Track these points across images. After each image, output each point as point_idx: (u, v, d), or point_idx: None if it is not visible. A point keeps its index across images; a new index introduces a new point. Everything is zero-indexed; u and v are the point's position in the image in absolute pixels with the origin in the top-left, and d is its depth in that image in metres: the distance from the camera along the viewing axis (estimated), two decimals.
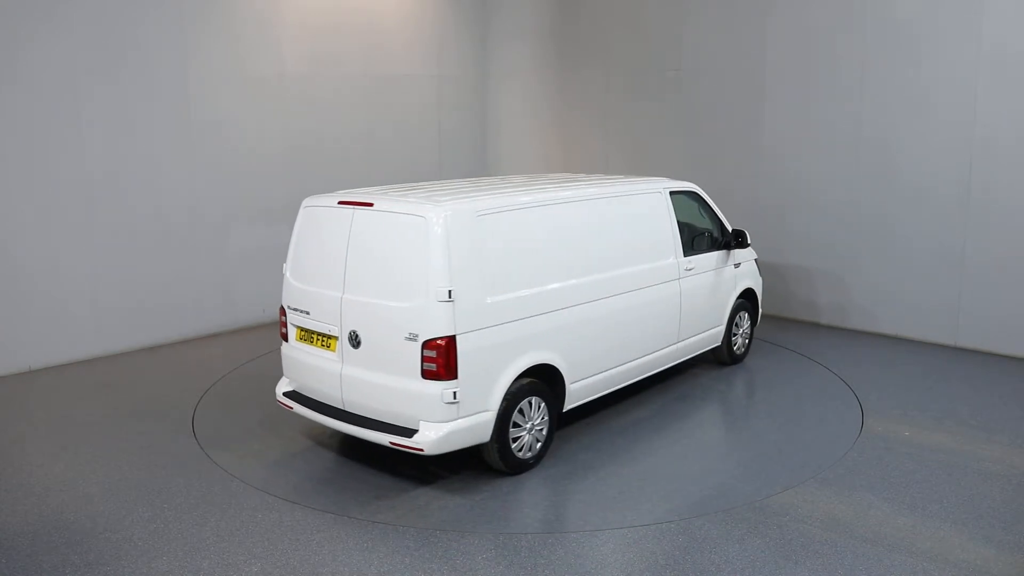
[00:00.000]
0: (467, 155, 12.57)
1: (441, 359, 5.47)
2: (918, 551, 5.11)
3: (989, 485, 6.00)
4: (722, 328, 8.43)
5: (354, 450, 6.64)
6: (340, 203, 6.15)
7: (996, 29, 8.68)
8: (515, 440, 6.03)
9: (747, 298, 8.78)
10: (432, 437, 5.56)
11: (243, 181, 10.15)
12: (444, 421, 5.56)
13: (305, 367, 6.35)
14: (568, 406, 6.56)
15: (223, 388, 8.14)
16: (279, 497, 5.87)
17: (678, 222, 7.72)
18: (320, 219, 6.29)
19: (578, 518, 5.59)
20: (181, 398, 7.84)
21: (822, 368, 8.67)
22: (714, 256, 8.17)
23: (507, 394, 5.89)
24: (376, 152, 11.38)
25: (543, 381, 6.23)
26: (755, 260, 8.96)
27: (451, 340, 5.48)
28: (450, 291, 5.47)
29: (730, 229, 8.43)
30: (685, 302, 7.69)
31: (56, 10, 8.48)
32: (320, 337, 6.18)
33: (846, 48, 9.80)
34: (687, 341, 7.89)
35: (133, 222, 9.30)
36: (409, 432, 5.67)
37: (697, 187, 8.27)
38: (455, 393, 5.54)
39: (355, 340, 5.90)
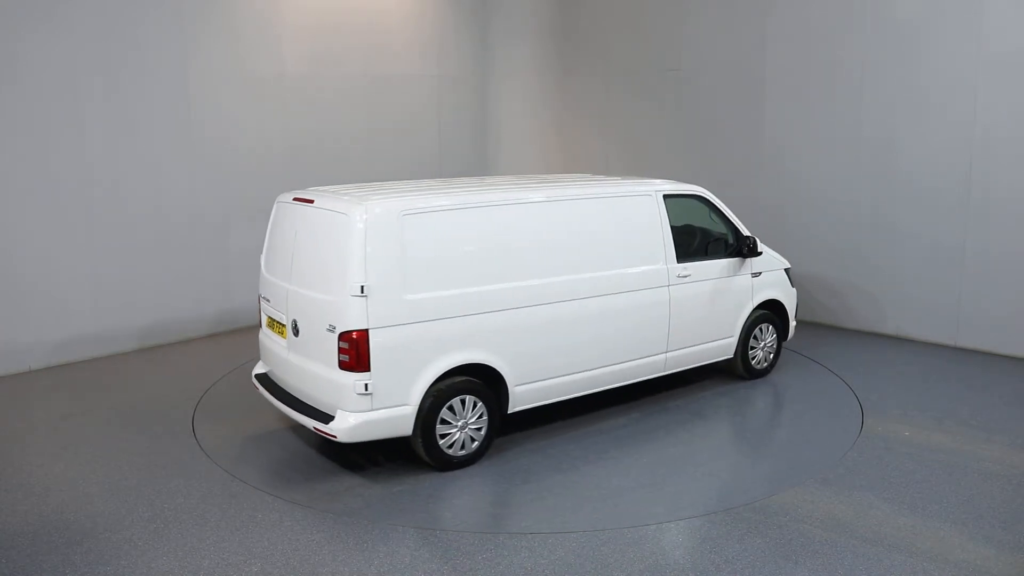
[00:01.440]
0: (467, 155, 12.57)
1: (353, 351, 5.69)
2: (918, 551, 5.11)
3: (989, 485, 6.00)
4: (733, 340, 7.97)
5: (354, 450, 6.64)
6: (294, 199, 6.56)
7: (996, 28, 8.68)
8: (445, 436, 6.15)
9: (772, 310, 8.29)
10: (345, 425, 5.80)
11: (243, 181, 10.15)
12: (357, 411, 5.78)
13: (268, 352, 6.85)
14: (514, 408, 6.53)
15: (223, 388, 8.14)
16: (279, 497, 5.87)
17: (680, 226, 7.58)
18: (282, 214, 6.74)
19: (506, 519, 5.60)
20: (181, 398, 7.84)
21: (822, 368, 8.67)
22: (720, 264, 7.75)
23: (431, 390, 6.02)
24: (376, 152, 11.38)
25: (484, 381, 6.31)
26: (786, 270, 8.44)
27: (363, 333, 5.68)
28: (362, 286, 5.66)
29: (750, 235, 8.01)
30: (677, 310, 7.37)
31: (56, 10, 8.48)
32: (276, 324, 6.61)
33: (846, 47, 9.80)
34: (683, 351, 7.55)
35: (133, 222, 9.30)
36: (330, 419, 5.93)
37: (704, 191, 7.88)
38: (367, 385, 5.73)
39: (295, 329, 6.29)
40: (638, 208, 7.25)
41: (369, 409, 5.81)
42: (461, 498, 5.91)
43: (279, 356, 6.55)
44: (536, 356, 6.52)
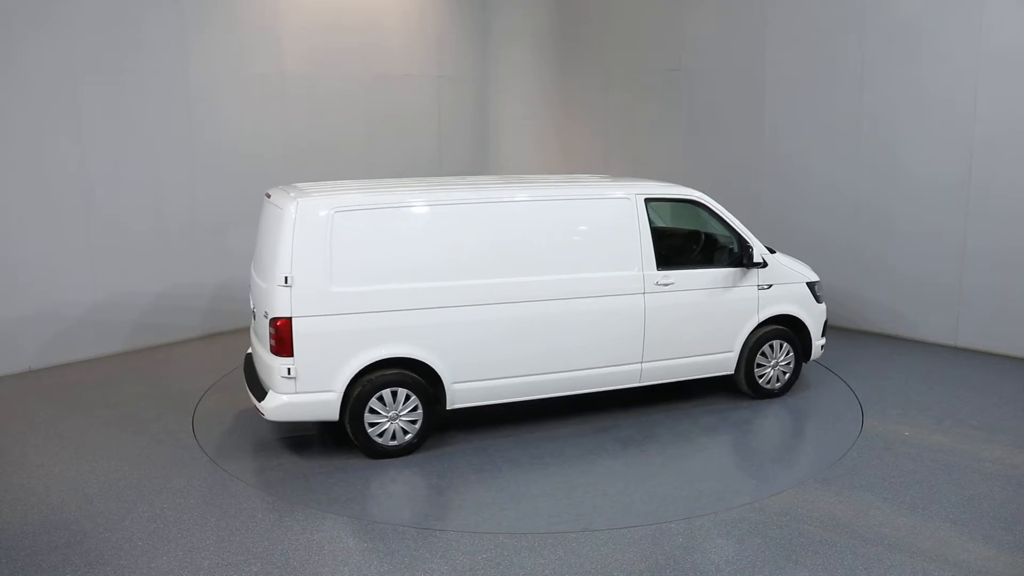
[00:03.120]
0: (467, 155, 12.57)
1: (278, 337, 6.06)
2: (918, 551, 5.11)
3: (989, 485, 6.00)
4: (732, 356, 7.48)
5: (353, 450, 6.64)
6: (265, 195, 6.94)
7: (996, 24, 8.67)
8: (375, 425, 6.36)
9: (789, 326, 7.69)
10: (271, 405, 6.22)
11: (243, 180, 10.14)
12: (283, 393, 6.17)
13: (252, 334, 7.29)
14: (453, 406, 6.61)
15: (223, 388, 8.14)
16: (279, 497, 5.87)
17: (675, 232, 7.39)
18: (263, 209, 7.08)
19: (407, 511, 5.61)
20: (181, 398, 7.84)
21: (822, 368, 8.67)
22: (714, 273, 7.32)
23: (360, 380, 6.26)
24: (376, 152, 11.38)
25: (422, 376, 6.43)
26: (809, 284, 7.76)
27: (287, 321, 6.04)
28: (286, 277, 6.02)
29: (751, 244, 7.42)
30: (655, 319, 7.03)
31: (56, 10, 8.48)
32: (254, 312, 6.99)
33: (846, 46, 9.80)
34: (664, 363, 7.19)
35: (133, 222, 9.30)
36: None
37: (700, 195, 7.44)
38: (290, 369, 6.09)
39: (253, 314, 6.90)
40: (610, 212, 6.98)
41: (293, 392, 6.16)
42: (462, 499, 5.91)
43: (253, 341, 7.03)
44: (477, 356, 6.54)
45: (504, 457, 6.53)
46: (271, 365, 6.17)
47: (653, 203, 7.21)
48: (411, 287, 6.31)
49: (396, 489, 6.07)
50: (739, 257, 7.39)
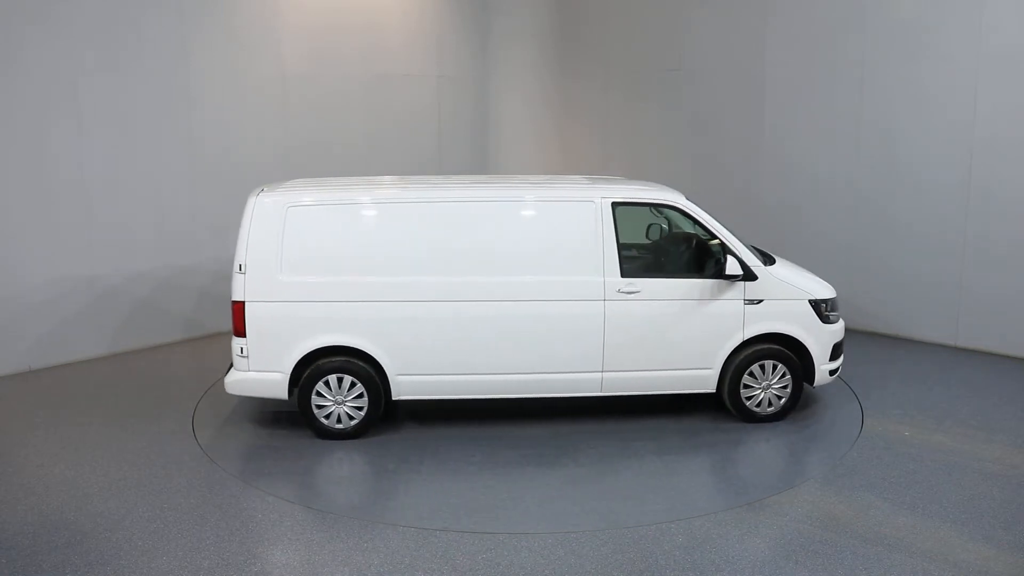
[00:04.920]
0: (466, 155, 12.57)
1: (234, 318, 6.69)
2: (918, 551, 5.11)
3: (989, 485, 6.00)
4: (711, 373, 6.97)
5: (354, 450, 6.64)
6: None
7: (996, 24, 8.67)
8: (322, 408, 6.77)
9: (787, 345, 7.03)
10: (230, 380, 6.84)
11: (243, 180, 10.08)
12: (239, 370, 6.77)
13: None
14: (398, 397, 6.83)
15: (223, 389, 8.12)
16: (279, 497, 5.87)
17: (656, 237, 7.23)
18: None
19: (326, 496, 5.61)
20: (181, 398, 7.84)
21: None
22: (688, 283, 6.85)
23: (303, 363, 6.70)
24: (376, 152, 11.38)
25: (370, 365, 6.71)
26: (814, 301, 7.02)
27: (240, 304, 6.64)
28: (240, 265, 6.63)
29: (736, 253, 6.84)
30: (616, 328, 6.75)
31: (55, 10, 8.48)
32: None
33: (846, 46, 9.80)
34: (629, 374, 6.90)
35: (133, 221, 9.30)
36: None
37: (680, 200, 6.98)
38: (243, 348, 6.69)
39: None
40: (571, 215, 6.81)
41: (247, 369, 6.74)
42: (467, 501, 5.91)
43: None
44: (421, 350, 6.71)
45: (505, 457, 6.54)
46: (233, 344, 6.77)
47: (627, 207, 6.92)
48: (358, 280, 6.62)
49: (397, 490, 6.07)
50: (722, 268, 6.84)
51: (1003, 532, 5.34)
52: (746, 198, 10.76)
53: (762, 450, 6.75)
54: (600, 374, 6.89)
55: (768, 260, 7.27)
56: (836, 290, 7.46)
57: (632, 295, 6.78)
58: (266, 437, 6.98)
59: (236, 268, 6.66)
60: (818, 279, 7.36)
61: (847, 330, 9.82)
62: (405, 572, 4.91)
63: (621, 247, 6.81)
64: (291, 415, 7.36)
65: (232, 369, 6.87)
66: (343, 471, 6.45)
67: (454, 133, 12.36)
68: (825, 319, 7.11)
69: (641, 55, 11.85)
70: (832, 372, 7.27)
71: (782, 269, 7.19)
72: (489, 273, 6.69)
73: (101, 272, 9.11)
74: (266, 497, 5.87)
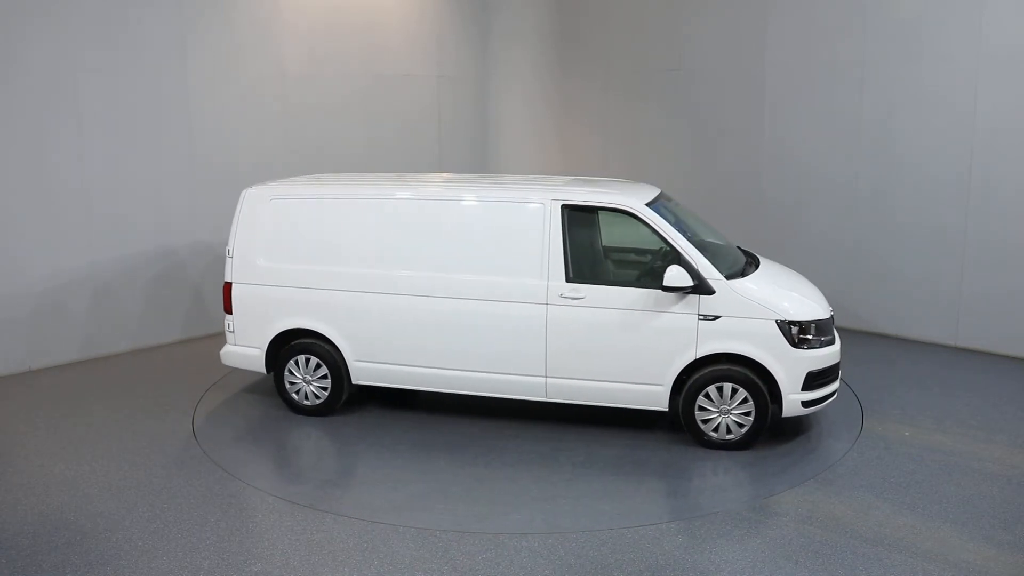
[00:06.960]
0: (467, 155, 12.57)
1: (224, 296, 7.44)
2: (918, 551, 5.11)
3: (989, 485, 6.00)
4: (662, 390, 6.55)
5: (354, 454, 6.64)
6: None
7: (996, 22, 8.67)
8: (293, 384, 7.38)
9: (752, 368, 6.39)
10: (223, 351, 7.60)
11: (243, 180, 10.09)
12: (229, 344, 7.55)
13: None
14: (357, 381, 7.27)
15: (223, 388, 8.15)
16: (279, 497, 5.87)
17: (621, 243, 7.12)
18: None
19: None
20: (181, 398, 7.85)
21: None
22: (635, 293, 6.47)
23: (277, 342, 7.32)
24: (376, 152, 11.38)
25: (334, 349, 7.21)
26: (784, 322, 6.29)
27: (228, 285, 7.42)
28: (229, 249, 7.40)
29: (692, 264, 6.32)
30: (558, 333, 6.60)
31: (55, 10, 8.48)
32: None
33: (847, 46, 9.80)
34: (573, 382, 6.69)
35: (133, 221, 9.30)
36: None
37: (634, 206, 6.57)
38: (230, 324, 7.46)
39: None
40: (518, 217, 6.76)
41: (234, 344, 7.50)
42: (465, 500, 5.91)
43: None
44: (375, 339, 7.10)
45: (505, 457, 6.54)
46: (225, 320, 7.51)
47: (577, 211, 6.68)
48: (322, 269, 7.14)
49: (398, 491, 6.06)
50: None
51: (1003, 532, 5.34)
52: (746, 198, 10.76)
53: (761, 450, 6.74)
54: (544, 379, 6.77)
55: (751, 264, 6.98)
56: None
57: (576, 301, 6.56)
58: (267, 437, 6.98)
59: (227, 252, 7.41)
60: (807, 296, 6.73)
61: (846, 329, 9.91)
62: (405, 572, 4.92)
63: (574, 251, 6.63)
64: (291, 415, 7.38)
65: (225, 344, 7.61)
66: (343, 472, 6.45)
67: (454, 133, 12.36)
68: (796, 342, 6.35)
69: (641, 55, 11.85)
70: (808, 404, 6.45)
71: (752, 283, 6.53)
72: (438, 270, 6.90)
73: (101, 272, 9.11)
74: (266, 497, 5.88)
